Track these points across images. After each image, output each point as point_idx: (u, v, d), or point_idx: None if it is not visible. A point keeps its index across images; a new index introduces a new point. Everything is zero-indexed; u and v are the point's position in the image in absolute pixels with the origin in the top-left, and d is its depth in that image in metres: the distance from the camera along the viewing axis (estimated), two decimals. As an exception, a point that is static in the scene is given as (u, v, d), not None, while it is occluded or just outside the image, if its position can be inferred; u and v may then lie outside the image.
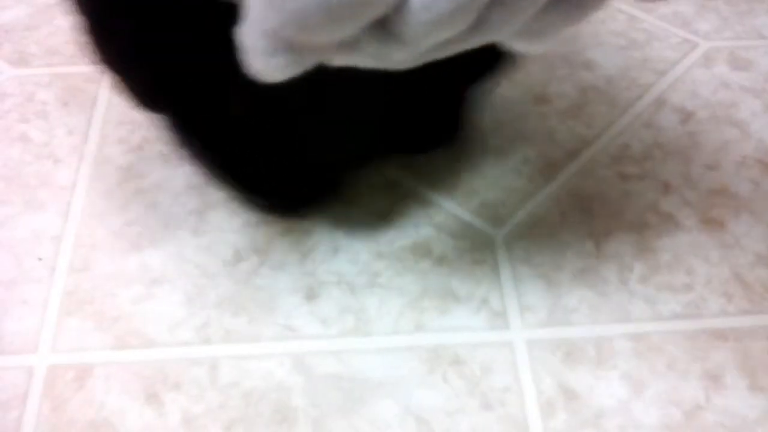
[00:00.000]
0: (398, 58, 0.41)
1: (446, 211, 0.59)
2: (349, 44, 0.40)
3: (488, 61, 0.58)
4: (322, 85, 0.50)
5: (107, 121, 0.66)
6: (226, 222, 0.59)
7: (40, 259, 0.57)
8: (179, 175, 0.62)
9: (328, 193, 0.60)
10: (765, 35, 0.72)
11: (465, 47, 0.42)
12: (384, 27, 0.39)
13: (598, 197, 0.60)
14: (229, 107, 0.54)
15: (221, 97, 0.55)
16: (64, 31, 0.73)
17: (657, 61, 0.70)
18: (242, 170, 0.57)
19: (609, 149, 0.63)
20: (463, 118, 0.62)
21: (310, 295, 0.55)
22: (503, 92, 0.66)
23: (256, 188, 0.59)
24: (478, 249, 0.57)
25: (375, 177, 0.61)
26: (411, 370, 0.51)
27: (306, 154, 0.55)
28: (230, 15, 0.39)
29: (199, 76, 0.51)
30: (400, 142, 0.61)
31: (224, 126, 0.55)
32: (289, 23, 0.37)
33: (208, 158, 0.57)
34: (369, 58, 0.41)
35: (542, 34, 0.44)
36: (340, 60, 0.42)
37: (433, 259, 0.56)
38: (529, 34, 0.44)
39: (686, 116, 0.65)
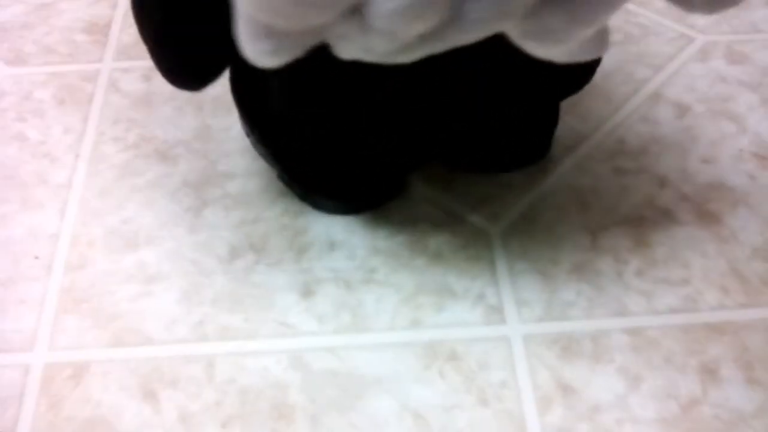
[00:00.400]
0: (382, 49, 0.41)
1: (442, 207, 0.59)
2: (333, 33, 0.41)
3: (583, 72, 0.57)
4: (376, 76, 0.49)
5: (103, 120, 0.66)
6: (222, 219, 0.59)
7: (36, 257, 0.57)
8: (175, 173, 0.62)
9: (394, 194, 0.60)
10: (762, 29, 0.72)
11: (458, 43, 0.42)
12: (361, 16, 0.39)
13: (594, 192, 0.60)
14: (268, 97, 0.54)
15: (259, 86, 0.55)
16: (61, 30, 0.74)
17: (653, 55, 0.70)
18: (300, 168, 0.57)
19: (605, 144, 0.63)
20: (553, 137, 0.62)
21: (307, 292, 0.55)
22: (499, 88, 0.66)
23: (315, 188, 0.58)
24: (475, 244, 0.57)
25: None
26: (408, 366, 0.51)
27: (367, 152, 0.55)
28: None
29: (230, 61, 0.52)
30: (489, 160, 0.60)
31: (273, 119, 0.55)
32: (262, 9, 0.37)
33: (266, 155, 0.58)
34: (358, 48, 0.42)
35: (550, 36, 0.43)
36: (337, 50, 0.42)
37: (430, 254, 0.56)
38: (533, 35, 0.44)
39: (682, 110, 0.65)
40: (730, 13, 0.73)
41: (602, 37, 0.46)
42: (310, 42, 0.40)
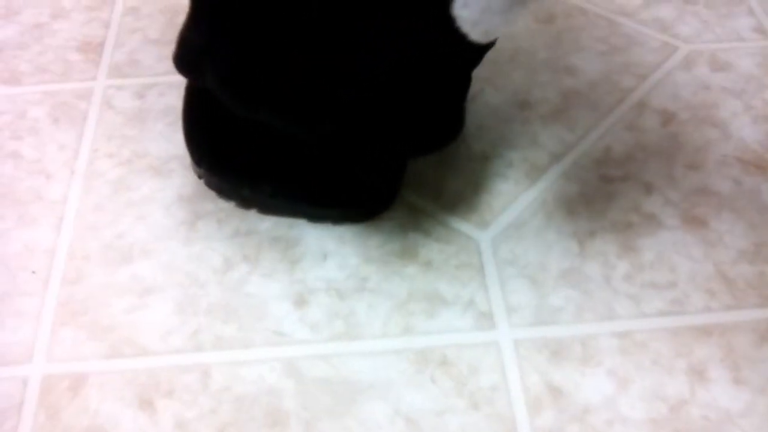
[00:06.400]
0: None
1: (432, 216, 0.60)
2: None
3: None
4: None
5: (97, 136, 0.67)
6: (216, 231, 0.59)
7: (33, 272, 0.58)
8: (169, 187, 0.62)
9: (397, 190, 0.61)
10: (744, 37, 0.73)
11: None
12: None
13: (582, 199, 0.61)
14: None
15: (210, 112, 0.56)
16: (54, 50, 0.75)
17: (638, 65, 0.71)
18: (315, 190, 0.59)
19: (591, 152, 0.64)
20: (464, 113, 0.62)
21: (300, 302, 0.56)
22: (487, 98, 0.67)
23: (332, 202, 0.60)
24: (464, 252, 0.58)
25: (362, 184, 0.62)
26: (400, 372, 0.52)
27: (374, 156, 0.56)
28: None
29: None
30: (415, 142, 0.61)
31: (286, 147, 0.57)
32: None
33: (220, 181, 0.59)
34: None
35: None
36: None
37: (420, 263, 0.57)
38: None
39: (668, 118, 0.66)
40: (714, 22, 0.74)
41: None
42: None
